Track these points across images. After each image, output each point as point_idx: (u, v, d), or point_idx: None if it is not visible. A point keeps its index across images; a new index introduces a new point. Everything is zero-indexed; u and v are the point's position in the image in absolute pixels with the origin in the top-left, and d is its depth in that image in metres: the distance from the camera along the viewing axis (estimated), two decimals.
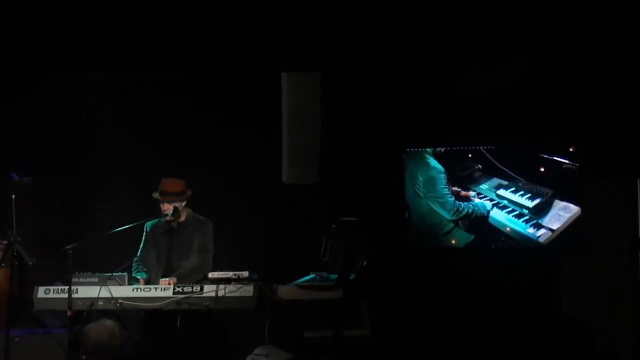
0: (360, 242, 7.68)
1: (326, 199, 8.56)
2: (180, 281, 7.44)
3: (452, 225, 8.54)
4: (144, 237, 7.77)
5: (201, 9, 8.58)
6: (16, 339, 7.38)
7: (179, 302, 7.21)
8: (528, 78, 8.41)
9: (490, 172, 8.47)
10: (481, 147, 8.48)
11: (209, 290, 7.22)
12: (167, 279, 7.50)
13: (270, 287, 7.34)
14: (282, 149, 8.31)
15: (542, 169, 8.30)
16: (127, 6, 8.47)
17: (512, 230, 8.37)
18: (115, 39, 8.63)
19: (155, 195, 7.69)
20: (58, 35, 8.64)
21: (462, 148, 8.53)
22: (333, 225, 7.86)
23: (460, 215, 8.50)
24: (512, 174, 8.39)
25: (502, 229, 8.39)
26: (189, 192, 7.73)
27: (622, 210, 8.25)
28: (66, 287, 7.22)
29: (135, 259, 7.71)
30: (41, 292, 7.41)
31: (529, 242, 8.31)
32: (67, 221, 8.77)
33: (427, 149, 8.59)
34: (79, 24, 8.57)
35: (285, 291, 7.39)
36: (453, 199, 8.53)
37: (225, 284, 7.23)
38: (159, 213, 7.72)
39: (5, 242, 7.61)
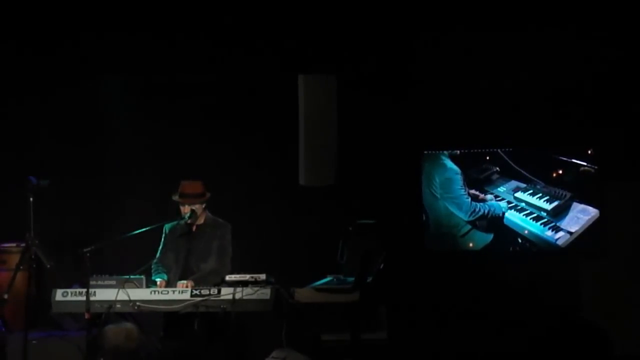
0: (377, 244, 7.66)
1: (343, 202, 8.55)
2: (198, 284, 7.44)
3: (469, 227, 8.52)
4: (162, 239, 7.78)
5: (217, 12, 8.60)
6: (34, 342, 7.41)
7: (196, 304, 7.20)
8: (546, 80, 8.38)
9: (508, 175, 8.45)
10: (499, 150, 8.46)
11: (226, 293, 7.20)
12: (184, 281, 7.50)
13: (287, 289, 7.32)
14: (299, 151, 8.31)
15: (560, 172, 8.28)
16: (147, 10, 8.50)
17: (530, 232, 8.35)
18: (134, 43, 8.66)
19: (175, 197, 7.70)
20: (76, 38, 8.68)
21: (479, 150, 8.52)
22: (350, 228, 7.85)
23: (477, 215, 8.49)
24: (530, 176, 8.37)
25: (519, 231, 8.37)
26: (208, 194, 7.73)
27: None
28: (84, 290, 7.21)
29: (155, 261, 7.72)
30: (59, 294, 7.40)
31: (547, 245, 8.28)
32: (85, 224, 8.80)
33: (444, 151, 8.58)
34: (97, 27, 8.62)
35: (303, 294, 7.37)
36: (469, 199, 8.52)
37: (242, 286, 7.21)
38: (177, 215, 7.72)
39: (23, 245, 7.64)
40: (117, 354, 6.98)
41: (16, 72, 8.75)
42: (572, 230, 8.22)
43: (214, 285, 7.31)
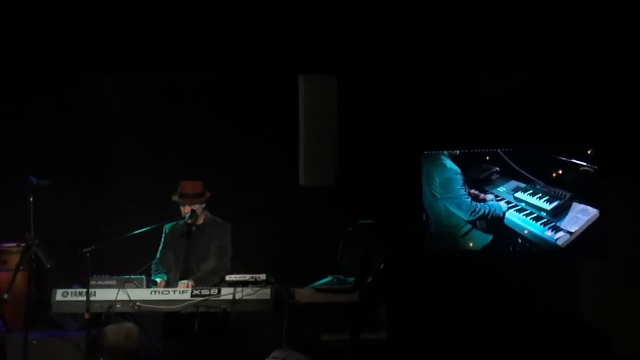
0: (377, 244, 7.67)
1: (343, 202, 8.56)
2: (198, 284, 7.45)
3: (469, 226, 8.53)
4: (162, 239, 7.79)
5: (218, 13, 8.61)
6: (34, 342, 7.42)
7: (196, 304, 7.21)
8: (546, 80, 8.39)
9: (507, 175, 8.45)
10: (498, 150, 8.46)
11: (226, 293, 7.22)
12: (185, 281, 7.51)
13: (287, 289, 7.33)
14: (299, 151, 8.31)
15: (560, 172, 8.27)
16: (147, 11, 8.51)
17: (530, 232, 8.35)
18: (134, 43, 8.67)
19: (175, 197, 7.71)
20: (77, 38, 8.69)
21: (479, 150, 8.52)
22: (350, 228, 7.86)
23: (477, 215, 8.49)
24: (529, 176, 8.37)
25: (519, 231, 8.37)
26: (208, 194, 7.75)
27: None
28: (84, 290, 7.22)
29: (155, 261, 7.74)
30: (59, 294, 7.41)
31: (546, 245, 8.28)
32: (85, 224, 8.81)
33: (444, 151, 8.59)
34: (98, 27, 8.62)
35: (303, 294, 7.38)
36: (469, 199, 8.53)
37: (242, 286, 7.23)
38: (177, 215, 7.73)
39: (23, 245, 7.64)
40: (117, 354, 6.99)
41: (16, 72, 8.76)
42: (572, 230, 8.22)
43: (214, 285, 7.32)
